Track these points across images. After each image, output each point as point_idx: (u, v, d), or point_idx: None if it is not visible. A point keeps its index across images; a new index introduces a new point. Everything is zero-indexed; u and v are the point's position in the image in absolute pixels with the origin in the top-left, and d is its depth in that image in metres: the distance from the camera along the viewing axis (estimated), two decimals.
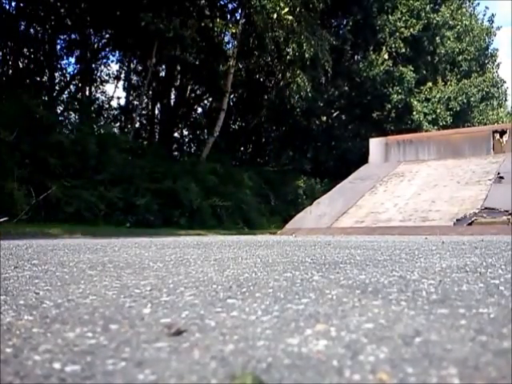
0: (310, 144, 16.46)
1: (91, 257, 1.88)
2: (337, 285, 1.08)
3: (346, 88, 16.10)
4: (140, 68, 15.91)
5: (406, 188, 6.34)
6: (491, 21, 20.63)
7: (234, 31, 11.98)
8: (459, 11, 18.73)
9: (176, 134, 16.58)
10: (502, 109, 23.01)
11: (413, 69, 16.17)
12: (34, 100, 8.79)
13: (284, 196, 12.78)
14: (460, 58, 18.70)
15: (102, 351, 0.58)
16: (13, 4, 11.46)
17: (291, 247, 2.48)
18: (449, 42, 17.98)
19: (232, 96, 14.68)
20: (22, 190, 6.47)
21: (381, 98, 16.06)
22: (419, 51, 17.04)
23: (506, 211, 4.77)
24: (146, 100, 15.12)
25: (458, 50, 18.40)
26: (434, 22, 17.00)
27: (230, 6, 13.72)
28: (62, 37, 13.03)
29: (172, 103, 15.41)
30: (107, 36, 13.38)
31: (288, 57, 12.68)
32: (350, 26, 16.17)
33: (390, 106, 16.35)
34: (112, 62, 23.03)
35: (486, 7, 22.99)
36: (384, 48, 15.67)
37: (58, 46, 13.13)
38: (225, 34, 13.08)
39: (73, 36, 13.35)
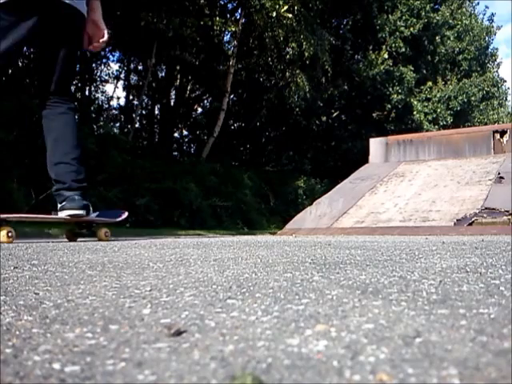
0: (310, 144, 16.47)
1: (91, 257, 1.88)
2: (337, 285, 1.08)
3: (346, 88, 16.11)
4: (140, 68, 15.92)
5: (406, 188, 6.34)
6: (491, 20, 20.65)
7: (233, 29, 11.99)
8: (459, 11, 18.75)
9: (176, 134, 16.60)
10: (502, 109, 23.03)
11: (413, 68, 16.18)
12: (33, 100, 8.80)
13: (284, 196, 12.79)
14: (460, 57, 18.71)
15: (102, 352, 0.58)
16: None
17: (291, 247, 2.48)
18: (449, 41, 17.99)
19: (232, 96, 14.68)
20: (21, 190, 6.47)
21: (381, 97, 16.07)
22: (419, 51, 17.05)
23: (507, 211, 4.77)
24: (146, 100, 15.12)
25: (458, 49, 18.41)
26: (434, 21, 17.01)
27: (229, 5, 13.74)
28: None
29: (172, 103, 15.41)
30: None
31: (288, 56, 12.69)
32: (350, 25, 16.18)
33: (390, 105, 16.35)
34: (112, 61, 23.05)
35: (486, 6, 22.98)
36: (384, 47, 15.68)
37: None
38: (224, 34, 13.09)
39: None
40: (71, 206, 2.67)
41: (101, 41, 2.88)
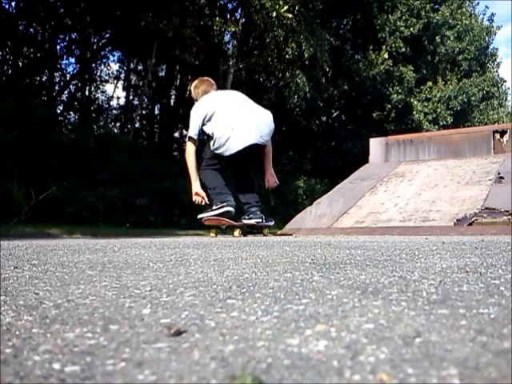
0: (310, 144, 16.45)
1: (91, 257, 1.88)
2: (337, 285, 1.08)
3: (346, 88, 16.10)
4: (140, 68, 15.91)
5: (406, 188, 6.33)
6: (491, 20, 20.65)
7: (233, 29, 11.98)
8: (459, 10, 18.74)
9: (176, 134, 16.58)
10: (502, 108, 23.01)
11: (413, 68, 16.16)
12: (33, 100, 8.80)
13: (284, 196, 12.77)
14: (460, 57, 18.70)
15: (102, 352, 0.58)
16: (13, 4, 11.48)
17: (291, 247, 2.47)
18: (449, 41, 17.97)
19: None
20: (21, 190, 6.47)
21: (381, 97, 16.05)
22: (419, 51, 17.03)
23: (507, 211, 4.76)
24: (145, 100, 15.11)
25: (458, 49, 18.39)
26: (434, 21, 17.00)
27: (229, 5, 13.74)
28: (61, 36, 13.03)
29: (172, 103, 15.40)
30: (107, 36, 13.38)
31: (287, 56, 12.68)
32: (350, 25, 16.18)
33: (390, 105, 16.34)
34: (112, 61, 23.03)
35: (486, 6, 22.94)
36: (384, 47, 15.66)
37: (58, 46, 13.13)
38: (224, 34, 13.08)
39: (73, 36, 13.36)
40: (255, 217, 4.27)
41: (274, 184, 4.56)
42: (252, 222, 4.30)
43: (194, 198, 4.32)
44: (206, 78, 4.52)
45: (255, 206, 4.31)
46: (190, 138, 4.18)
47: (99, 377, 0.49)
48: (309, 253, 2.05)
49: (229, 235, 4.69)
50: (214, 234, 4.47)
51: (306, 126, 15.83)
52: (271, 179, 4.53)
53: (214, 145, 4.07)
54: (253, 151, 4.17)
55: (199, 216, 4.28)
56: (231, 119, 4.07)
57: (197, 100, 4.30)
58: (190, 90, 4.58)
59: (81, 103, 13.69)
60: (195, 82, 4.48)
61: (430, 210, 5.32)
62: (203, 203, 4.29)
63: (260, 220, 4.31)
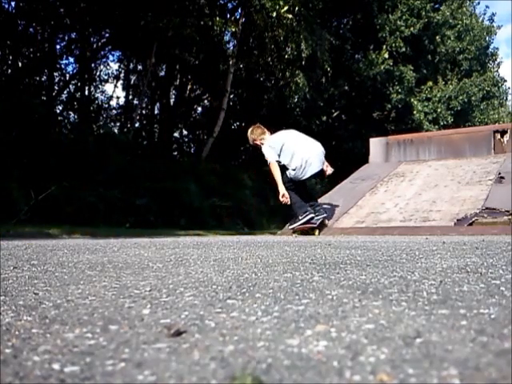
0: None
1: (90, 257, 1.88)
2: (337, 285, 1.08)
3: (346, 87, 16.08)
4: (140, 68, 15.90)
5: (406, 188, 6.33)
6: (491, 20, 20.64)
7: (233, 30, 11.98)
8: (459, 10, 18.71)
9: (176, 134, 16.57)
10: (502, 108, 22.98)
11: (413, 68, 16.15)
12: (33, 99, 8.80)
13: None
14: (460, 57, 18.68)
15: (102, 352, 0.58)
16: (12, 4, 11.47)
17: (291, 247, 2.47)
18: (449, 41, 17.95)
19: (232, 96, 14.67)
20: (21, 190, 6.47)
21: (381, 97, 16.04)
22: (420, 50, 17.02)
23: (507, 211, 4.76)
24: (145, 100, 15.10)
25: (458, 49, 18.37)
26: (435, 21, 16.98)
27: (229, 5, 13.73)
28: (61, 36, 13.03)
29: (172, 103, 15.40)
30: (107, 35, 13.37)
31: (287, 56, 12.68)
32: (350, 25, 16.17)
33: (390, 105, 16.33)
34: (112, 61, 23.04)
35: (487, 6, 22.88)
36: (384, 47, 15.65)
37: (58, 46, 13.13)
38: (224, 34, 13.08)
39: (72, 35, 13.36)
40: (320, 214, 5.28)
41: (329, 172, 5.38)
42: (320, 217, 5.31)
43: (281, 199, 5.24)
44: (257, 124, 5.63)
45: (319, 205, 5.45)
46: (276, 161, 5.29)
47: (99, 377, 0.49)
48: (309, 253, 2.05)
49: (310, 235, 5.42)
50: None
51: (306, 126, 15.81)
52: (329, 168, 5.45)
53: (293, 174, 5.22)
54: (318, 174, 5.51)
55: (290, 227, 5.41)
56: (303, 154, 5.18)
57: (255, 140, 5.43)
58: (247, 137, 5.61)
59: (80, 103, 13.70)
60: (251, 129, 5.55)
61: (430, 209, 5.32)
62: (288, 203, 5.20)
63: (326, 215, 5.38)
